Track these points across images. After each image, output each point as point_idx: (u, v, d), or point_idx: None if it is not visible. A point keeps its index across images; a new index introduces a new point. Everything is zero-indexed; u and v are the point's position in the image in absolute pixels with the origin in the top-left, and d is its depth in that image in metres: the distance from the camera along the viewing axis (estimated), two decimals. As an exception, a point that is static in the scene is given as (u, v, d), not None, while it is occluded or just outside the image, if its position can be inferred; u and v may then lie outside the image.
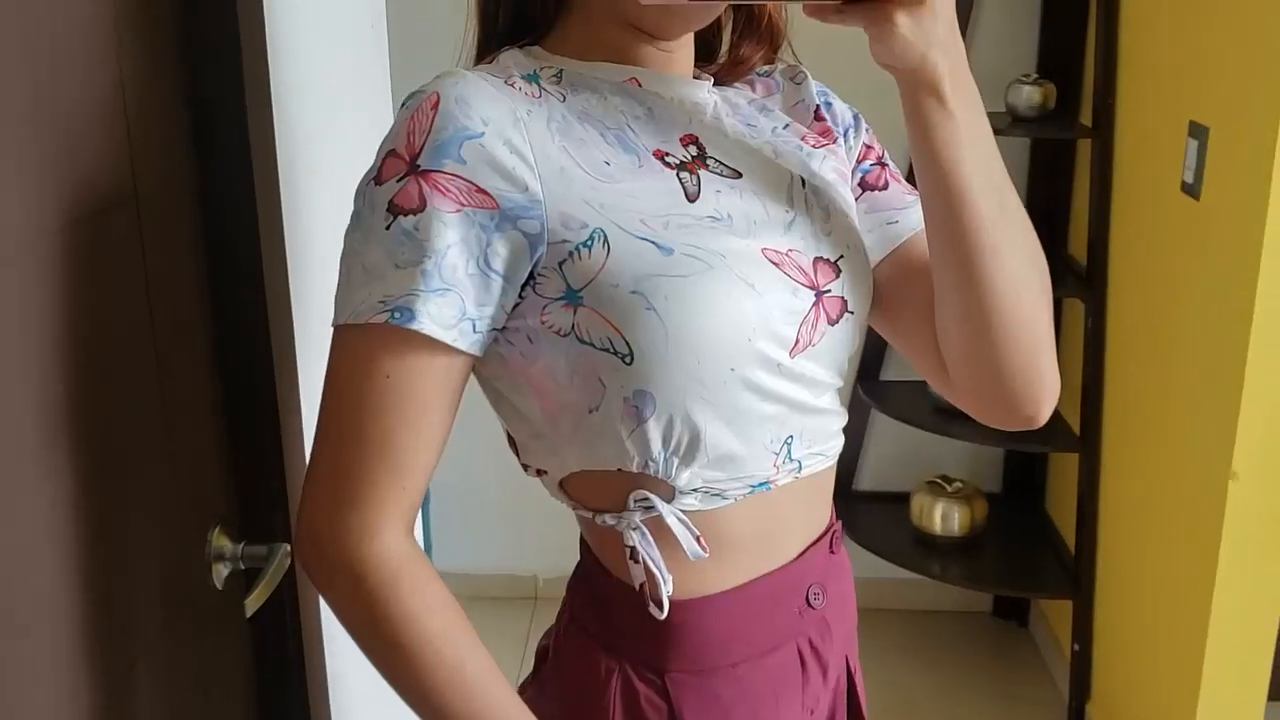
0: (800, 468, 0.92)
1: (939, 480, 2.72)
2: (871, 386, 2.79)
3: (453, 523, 3.02)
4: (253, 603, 1.03)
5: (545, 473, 0.93)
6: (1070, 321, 2.66)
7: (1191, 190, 2.01)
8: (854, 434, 2.89)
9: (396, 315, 0.80)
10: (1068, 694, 2.58)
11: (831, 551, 0.98)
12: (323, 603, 1.14)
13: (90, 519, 0.86)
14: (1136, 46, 2.31)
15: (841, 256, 0.93)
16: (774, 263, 0.87)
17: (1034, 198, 2.72)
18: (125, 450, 0.91)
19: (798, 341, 0.88)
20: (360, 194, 0.84)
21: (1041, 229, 0.89)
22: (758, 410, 0.87)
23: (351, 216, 0.85)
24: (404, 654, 0.83)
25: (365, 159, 0.86)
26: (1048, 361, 0.91)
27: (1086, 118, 2.52)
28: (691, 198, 0.87)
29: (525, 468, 0.96)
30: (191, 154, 1.03)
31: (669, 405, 0.84)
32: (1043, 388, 0.92)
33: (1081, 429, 2.49)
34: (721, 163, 0.91)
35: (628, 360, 0.83)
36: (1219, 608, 1.94)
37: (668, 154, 0.89)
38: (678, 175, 0.88)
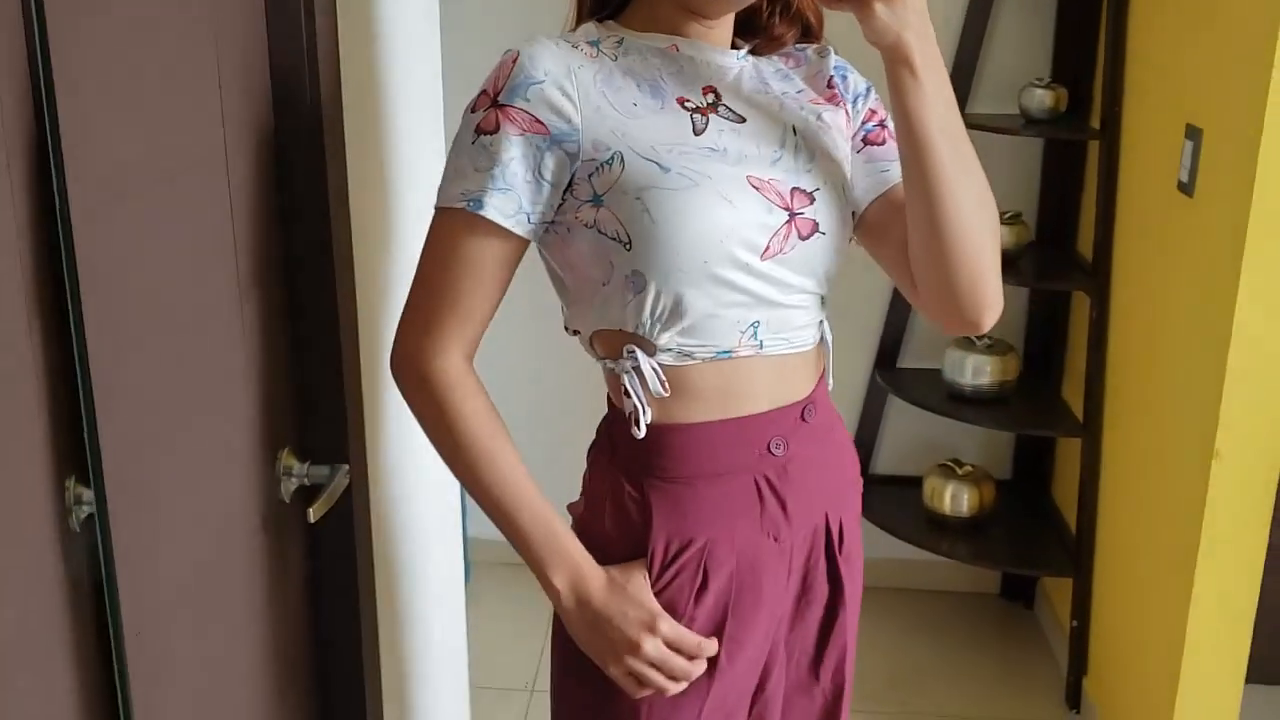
0: (762, 346, 1.17)
1: (950, 463, 2.81)
2: (888, 374, 2.91)
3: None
4: (315, 512, 1.20)
5: (579, 332, 1.22)
6: (1077, 314, 2.77)
7: (1186, 189, 2.11)
8: (871, 419, 3.01)
9: (471, 204, 1.11)
10: (1066, 669, 2.70)
11: (803, 420, 1.22)
12: (374, 516, 1.32)
13: (185, 436, 1.03)
14: (1142, 53, 2.42)
15: (817, 189, 1.18)
16: (755, 187, 1.13)
17: (1046, 197, 2.81)
18: (212, 379, 1.08)
19: (768, 248, 1.14)
20: (463, 118, 1.13)
21: (1053, 227, 1.07)
22: (728, 297, 1.13)
23: (455, 136, 1.14)
24: (455, 440, 1.15)
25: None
26: (993, 281, 1.17)
27: (1096, 121, 2.62)
28: (698, 132, 1.14)
29: (566, 329, 1.25)
30: (274, 132, 1.20)
31: (657, 283, 1.12)
32: (985, 301, 1.17)
33: (1085, 415, 2.61)
34: (731, 110, 1.18)
35: (628, 247, 1.11)
36: (1201, 582, 2.03)
37: (688, 100, 1.16)
38: (691, 116, 1.15)
